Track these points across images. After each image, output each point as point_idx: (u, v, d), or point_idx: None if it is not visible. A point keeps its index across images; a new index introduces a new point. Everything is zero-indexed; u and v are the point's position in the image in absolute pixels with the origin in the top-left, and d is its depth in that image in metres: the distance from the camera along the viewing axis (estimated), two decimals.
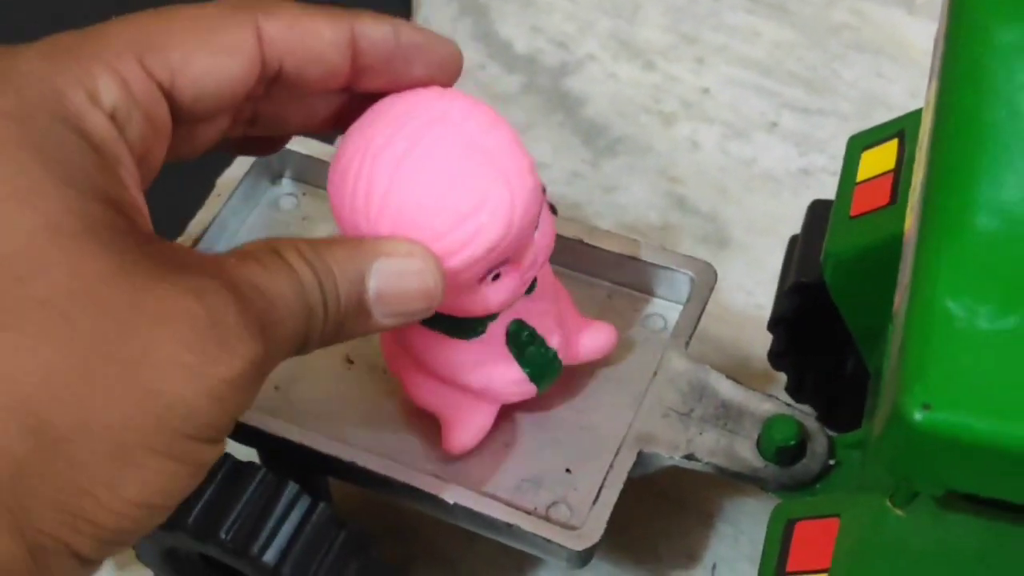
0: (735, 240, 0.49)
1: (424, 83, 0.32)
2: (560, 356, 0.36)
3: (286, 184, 0.43)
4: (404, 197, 0.30)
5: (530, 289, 0.35)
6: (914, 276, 0.26)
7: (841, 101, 0.53)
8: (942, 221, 0.27)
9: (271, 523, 0.35)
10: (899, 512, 0.27)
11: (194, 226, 0.41)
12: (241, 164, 0.42)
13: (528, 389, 0.36)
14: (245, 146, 0.35)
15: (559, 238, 0.40)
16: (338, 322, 0.29)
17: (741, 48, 0.54)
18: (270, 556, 0.34)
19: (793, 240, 0.41)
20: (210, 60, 0.29)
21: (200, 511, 0.34)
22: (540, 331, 0.35)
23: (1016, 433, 0.23)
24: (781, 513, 0.30)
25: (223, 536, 0.34)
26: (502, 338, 0.35)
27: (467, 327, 0.34)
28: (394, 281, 0.29)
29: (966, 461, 0.24)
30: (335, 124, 0.33)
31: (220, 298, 0.26)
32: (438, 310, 0.32)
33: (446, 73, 0.32)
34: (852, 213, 0.35)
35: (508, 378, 0.35)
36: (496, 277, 0.32)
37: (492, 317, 0.34)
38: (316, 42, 0.30)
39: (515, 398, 0.36)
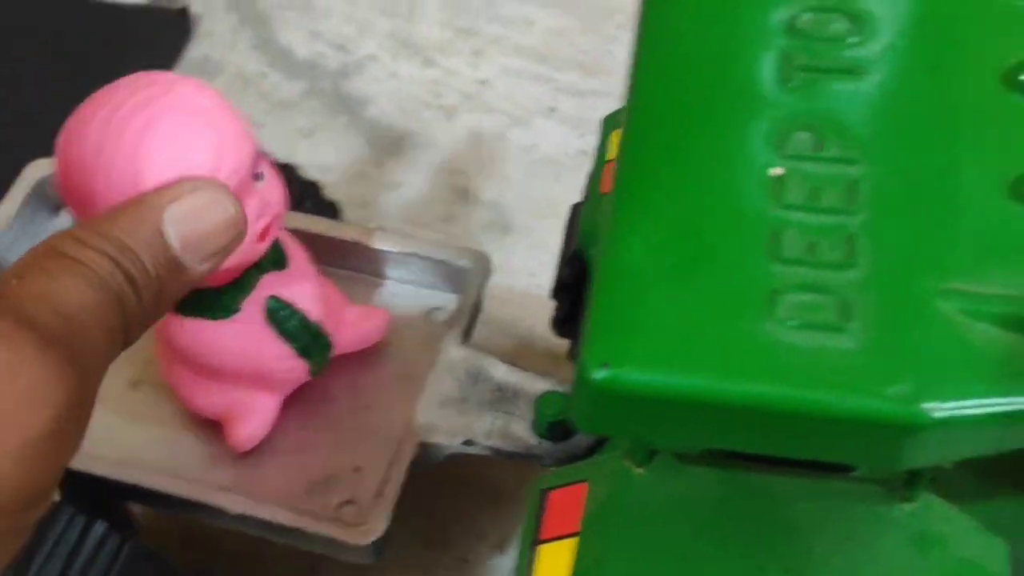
0: (517, 225, 0.50)
1: None
2: (327, 332, 0.37)
3: (68, 215, 0.42)
4: (114, 146, 0.30)
5: (281, 265, 0.36)
6: (602, 236, 0.27)
7: (616, 82, 0.54)
8: (626, 182, 0.27)
9: (79, 565, 0.35)
10: (639, 471, 0.28)
11: None
12: (17, 193, 0.41)
13: (299, 366, 0.37)
14: None
15: (338, 242, 0.41)
16: (156, 292, 0.27)
17: (517, 38, 0.56)
18: None
19: (575, 208, 0.42)
20: None
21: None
22: (299, 306, 0.36)
23: (689, 385, 0.24)
24: (537, 485, 0.31)
25: None
26: (261, 316, 0.36)
27: (219, 303, 0.35)
28: (193, 222, 0.27)
29: (648, 416, 0.25)
30: None
31: (14, 342, 0.23)
32: None
33: None
34: (603, 190, 0.36)
35: (274, 354, 0.36)
36: None
37: (244, 290, 0.35)
38: None
39: (288, 377, 0.37)
